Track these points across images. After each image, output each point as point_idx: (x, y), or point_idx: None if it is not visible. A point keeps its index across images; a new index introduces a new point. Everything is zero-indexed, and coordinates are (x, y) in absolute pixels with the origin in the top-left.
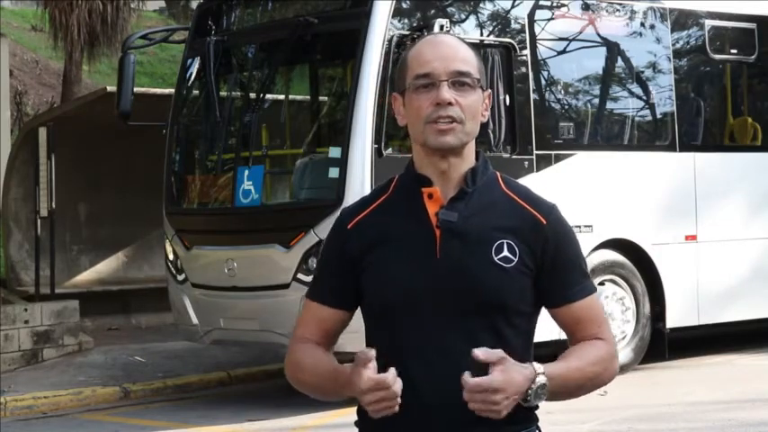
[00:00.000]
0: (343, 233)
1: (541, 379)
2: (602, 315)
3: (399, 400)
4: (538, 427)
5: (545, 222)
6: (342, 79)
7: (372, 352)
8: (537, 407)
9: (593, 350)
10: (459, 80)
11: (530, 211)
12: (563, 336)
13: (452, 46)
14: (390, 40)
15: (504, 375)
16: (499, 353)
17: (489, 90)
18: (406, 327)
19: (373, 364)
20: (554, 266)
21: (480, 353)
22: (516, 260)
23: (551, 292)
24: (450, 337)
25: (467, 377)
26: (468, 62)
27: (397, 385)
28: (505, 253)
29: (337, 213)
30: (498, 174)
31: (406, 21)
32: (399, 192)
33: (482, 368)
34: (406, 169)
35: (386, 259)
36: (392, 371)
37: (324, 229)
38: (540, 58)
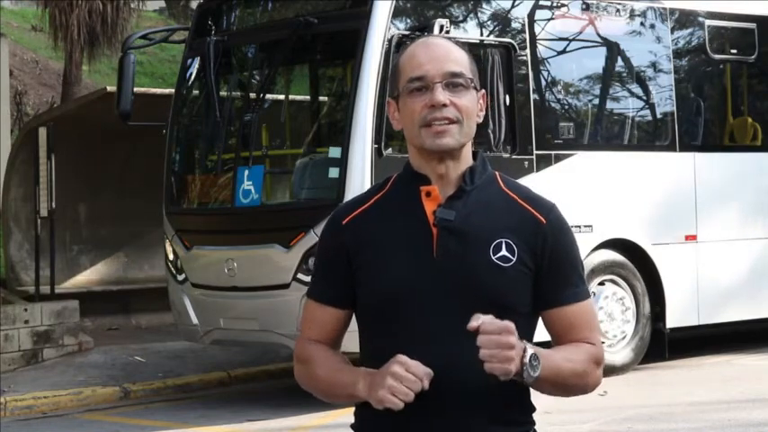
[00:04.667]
0: (338, 230)
1: (530, 350)
2: (595, 321)
3: (413, 394)
4: (535, 431)
5: (544, 222)
6: (342, 79)
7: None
8: (533, 406)
9: (583, 348)
10: (453, 81)
11: (529, 211)
12: None
13: (444, 47)
14: (390, 40)
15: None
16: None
17: (483, 90)
18: (403, 325)
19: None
20: (551, 267)
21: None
22: (515, 259)
23: (547, 293)
24: (448, 336)
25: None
26: (461, 63)
27: (426, 381)
28: (504, 252)
29: None
30: (497, 173)
31: (406, 21)
32: (397, 190)
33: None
34: (404, 168)
35: (382, 257)
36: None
37: None
38: (540, 58)
